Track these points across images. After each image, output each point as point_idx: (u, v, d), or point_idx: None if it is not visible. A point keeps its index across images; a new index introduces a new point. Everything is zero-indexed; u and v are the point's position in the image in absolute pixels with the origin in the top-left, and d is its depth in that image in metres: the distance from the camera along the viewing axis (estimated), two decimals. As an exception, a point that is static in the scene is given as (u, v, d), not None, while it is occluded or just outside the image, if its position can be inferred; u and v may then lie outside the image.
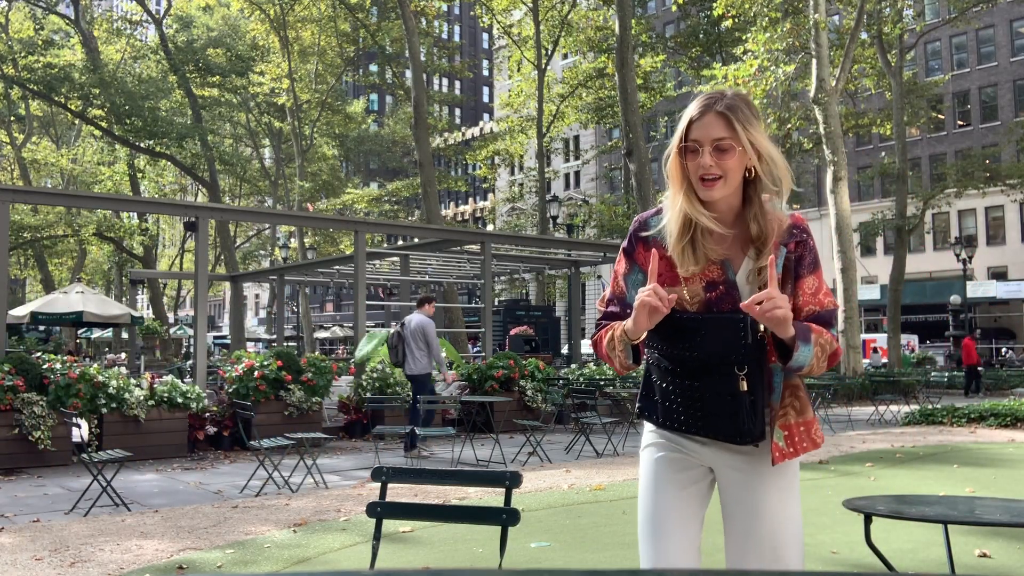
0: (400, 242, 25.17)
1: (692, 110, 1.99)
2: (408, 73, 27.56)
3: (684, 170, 2.00)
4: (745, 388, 1.95)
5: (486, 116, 76.45)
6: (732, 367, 1.95)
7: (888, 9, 24.78)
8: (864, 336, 30.19)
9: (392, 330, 10.75)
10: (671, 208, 2.03)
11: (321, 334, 53.18)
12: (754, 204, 2.02)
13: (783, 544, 2.15)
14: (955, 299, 32.81)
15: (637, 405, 2.18)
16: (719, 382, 1.97)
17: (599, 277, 47.32)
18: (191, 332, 26.21)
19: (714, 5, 21.89)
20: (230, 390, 11.29)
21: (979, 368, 22.53)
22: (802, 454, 2.09)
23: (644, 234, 2.09)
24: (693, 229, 2.01)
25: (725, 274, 2.01)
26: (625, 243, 2.13)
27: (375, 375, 12.56)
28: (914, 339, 35.03)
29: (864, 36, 24.30)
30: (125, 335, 26.18)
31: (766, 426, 2.02)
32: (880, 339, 31.18)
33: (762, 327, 1.93)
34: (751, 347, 1.95)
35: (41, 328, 31.75)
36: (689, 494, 2.09)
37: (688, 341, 1.99)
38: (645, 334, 1.99)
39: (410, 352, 10.30)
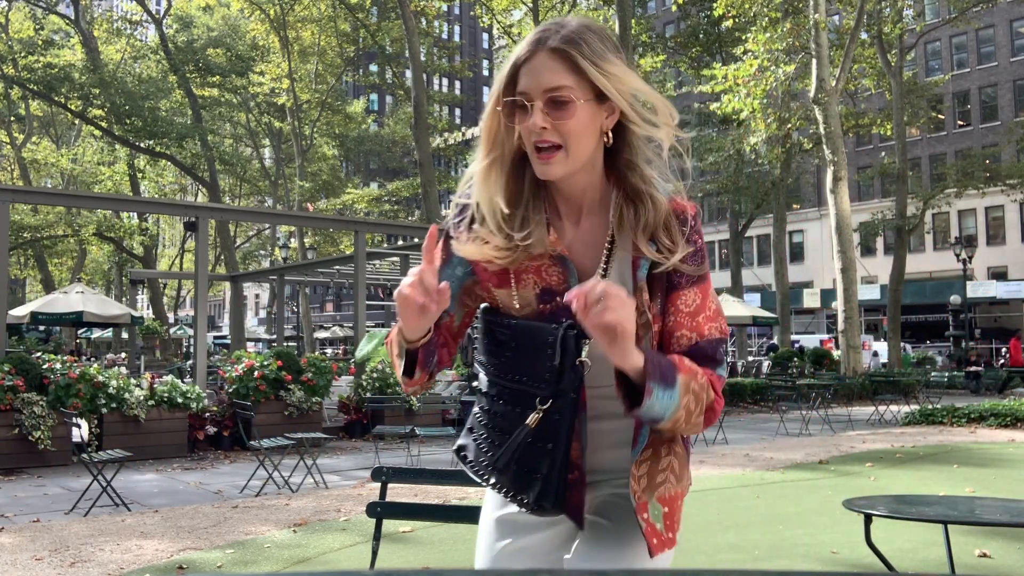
0: (400, 242, 25.16)
1: (520, 48, 1.39)
2: (408, 73, 27.56)
3: (499, 132, 1.42)
4: (533, 424, 1.38)
5: (486, 116, 76.26)
6: (534, 397, 1.40)
7: (888, 9, 24.78)
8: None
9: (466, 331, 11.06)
10: (478, 192, 1.46)
11: (321, 334, 53.16)
12: (622, 179, 1.43)
13: None
14: (955, 299, 32.79)
15: (457, 443, 1.58)
16: (515, 416, 1.42)
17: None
18: (191, 332, 26.21)
19: (714, 5, 21.90)
20: (230, 390, 11.29)
21: None
22: (674, 544, 1.46)
23: (464, 221, 1.51)
24: (525, 204, 1.44)
25: (567, 279, 1.42)
26: (443, 236, 1.54)
27: (375, 375, 12.56)
28: (907, 346, 34.97)
29: (864, 36, 24.30)
30: (125, 335, 26.18)
31: (571, 489, 1.41)
32: (878, 346, 31.10)
33: (585, 351, 1.37)
34: (561, 373, 1.38)
35: (41, 328, 31.75)
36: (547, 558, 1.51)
37: (501, 357, 1.47)
38: (427, 336, 1.43)
39: None
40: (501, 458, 1.41)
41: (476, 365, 1.56)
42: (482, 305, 1.53)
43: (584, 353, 1.37)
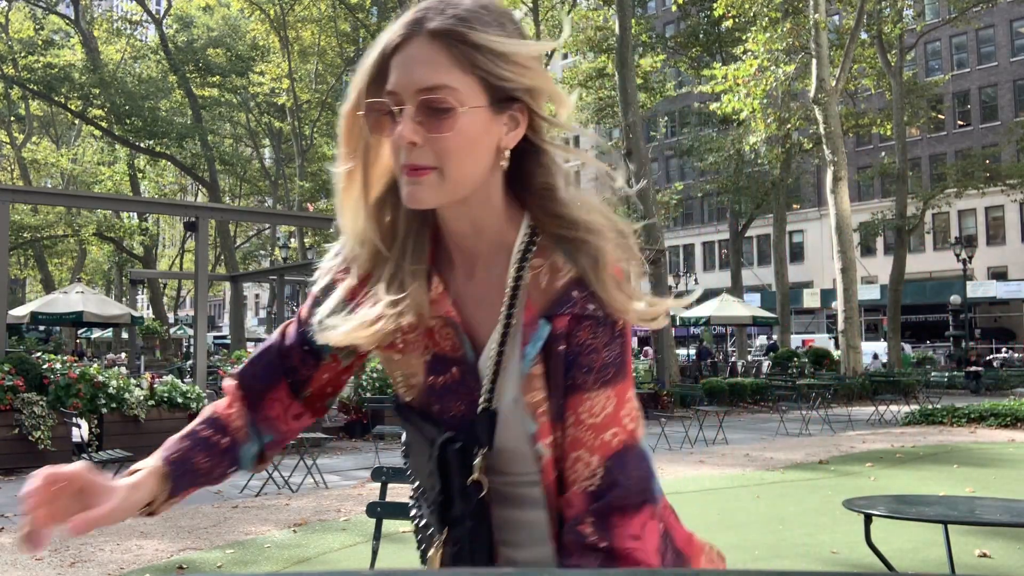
0: (400, 242, 25.07)
1: (392, 31, 1.02)
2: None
3: (361, 134, 1.06)
4: (438, 563, 1.07)
5: (486, 116, 76.29)
6: (433, 524, 1.10)
7: (888, 9, 24.79)
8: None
9: None
10: (346, 223, 1.11)
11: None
12: (538, 217, 1.05)
13: None
14: (955, 299, 32.79)
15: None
16: (428, 533, 1.13)
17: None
18: (191, 332, 26.21)
19: (714, 5, 21.90)
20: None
21: None
22: None
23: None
24: (400, 245, 1.08)
25: (461, 348, 1.06)
26: (325, 264, 1.19)
27: (375, 375, 12.56)
28: (907, 346, 34.97)
29: (864, 36, 24.31)
30: (125, 335, 26.18)
31: None
32: (877, 347, 31.06)
33: (477, 470, 1.03)
34: (448, 501, 1.06)
35: (41, 328, 31.75)
36: None
37: (406, 454, 1.18)
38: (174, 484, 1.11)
39: None
40: None
41: None
42: None
43: (477, 469, 1.02)
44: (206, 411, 1.19)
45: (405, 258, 1.07)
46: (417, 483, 1.15)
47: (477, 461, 1.03)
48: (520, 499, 1.07)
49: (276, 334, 1.20)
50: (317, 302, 1.13)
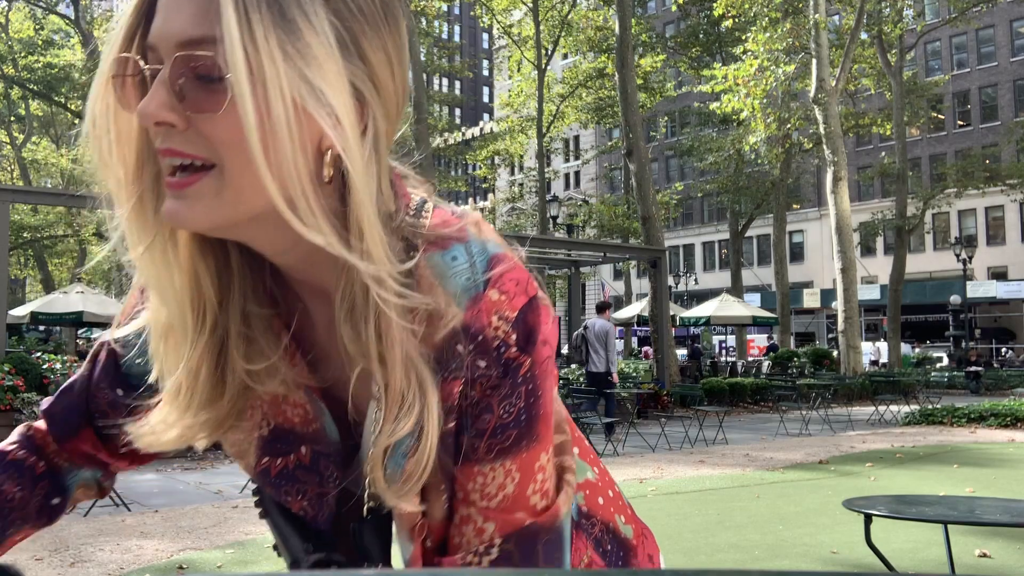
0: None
1: None
2: (408, 73, 27.55)
3: (147, 140, 0.69)
4: None
5: (486, 116, 76.49)
6: None
7: (888, 9, 24.79)
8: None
9: (577, 332, 12.18)
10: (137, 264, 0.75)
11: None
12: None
13: None
14: (955, 299, 32.81)
15: None
16: None
17: (595, 278, 47.38)
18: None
19: (714, 5, 21.91)
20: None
21: None
22: None
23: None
24: (238, 288, 0.76)
25: (317, 419, 0.78)
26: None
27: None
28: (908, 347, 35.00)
29: (864, 36, 24.31)
30: (125, 335, 26.16)
31: None
32: (874, 348, 31.07)
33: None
34: None
35: (41, 328, 31.74)
36: None
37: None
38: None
39: (593, 351, 11.47)
40: None
41: None
42: None
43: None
44: (18, 430, 0.90)
45: (247, 303, 0.75)
46: None
47: None
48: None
49: (87, 362, 0.89)
50: (123, 350, 0.85)
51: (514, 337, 0.70)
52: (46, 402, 0.91)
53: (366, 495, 0.73)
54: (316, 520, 0.78)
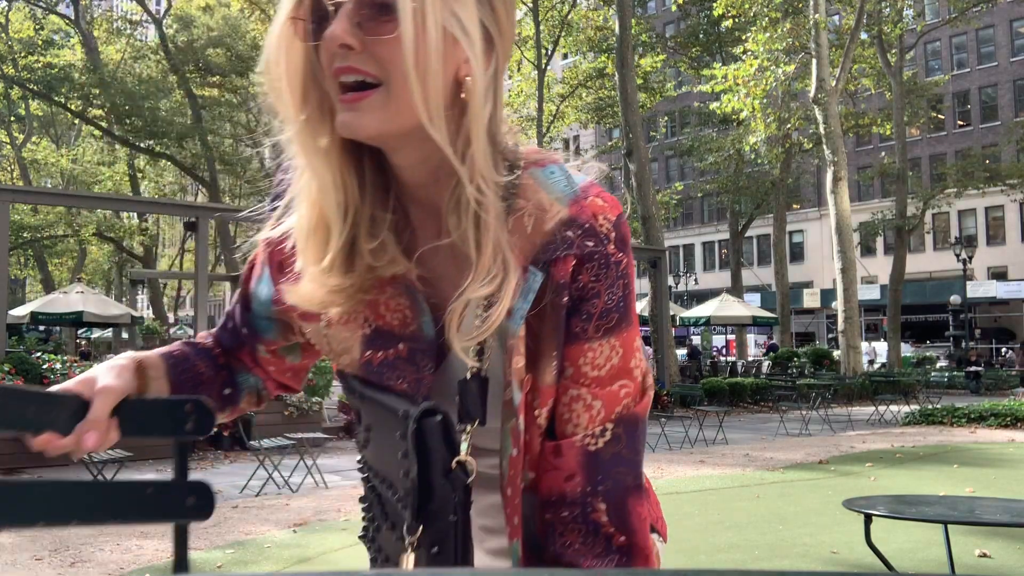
0: (400, 242, 25.08)
1: None
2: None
3: (316, 68, 0.86)
4: (410, 565, 0.85)
5: (486, 116, 76.32)
6: (402, 521, 0.88)
7: (888, 9, 24.79)
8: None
9: None
10: (295, 169, 0.92)
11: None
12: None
13: None
14: (955, 299, 32.80)
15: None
16: (391, 544, 0.95)
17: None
18: (191, 332, 26.22)
19: (714, 5, 21.91)
20: (230, 390, 11.29)
21: None
22: None
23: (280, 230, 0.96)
24: (367, 198, 0.90)
25: (416, 319, 0.91)
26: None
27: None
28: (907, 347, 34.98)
29: (864, 36, 24.31)
30: (125, 335, 26.18)
31: None
32: (869, 347, 31.01)
33: (465, 446, 0.85)
34: (417, 491, 0.85)
35: (41, 328, 31.73)
36: None
37: (361, 437, 1.00)
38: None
39: None
40: None
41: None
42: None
43: (464, 449, 0.85)
44: (200, 334, 1.10)
45: (376, 211, 0.90)
46: (373, 478, 0.97)
47: (464, 438, 0.85)
48: (493, 481, 0.90)
49: (242, 279, 1.07)
50: (266, 266, 1.02)
51: (614, 235, 0.88)
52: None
53: (479, 364, 0.87)
54: (417, 396, 0.90)
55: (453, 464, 0.84)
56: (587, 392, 0.88)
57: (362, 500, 1.02)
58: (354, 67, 0.81)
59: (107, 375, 0.89)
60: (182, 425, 0.88)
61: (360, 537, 1.03)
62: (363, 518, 1.02)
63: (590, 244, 0.86)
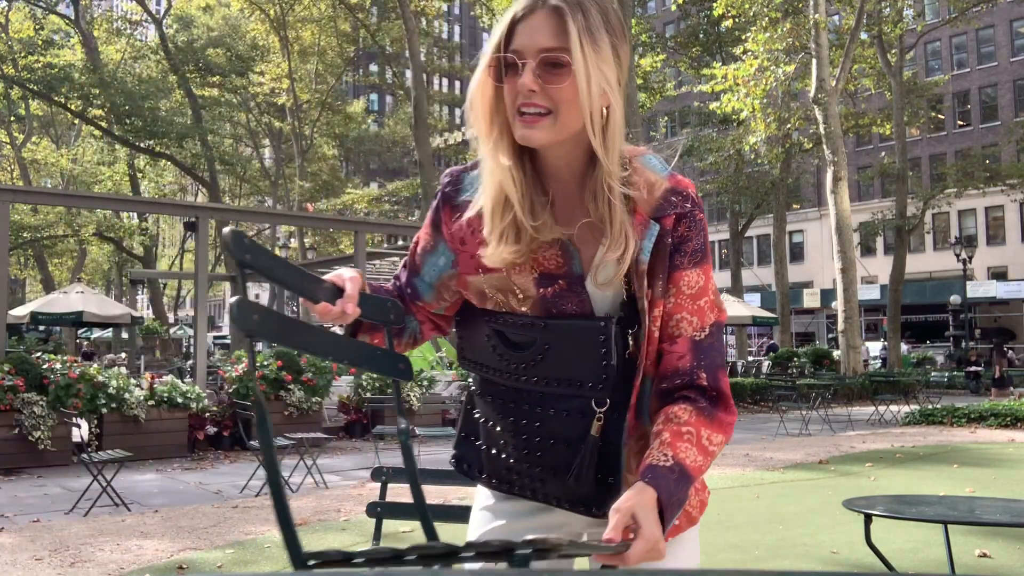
0: (400, 242, 25.15)
1: (518, 4, 1.30)
2: (408, 73, 27.57)
3: (500, 101, 1.30)
4: (598, 433, 1.30)
5: (486, 116, 76.28)
6: (587, 401, 1.31)
7: (888, 9, 24.79)
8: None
9: None
10: (483, 169, 1.34)
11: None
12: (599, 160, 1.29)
13: None
14: (955, 299, 32.80)
15: (452, 453, 1.49)
16: (563, 423, 1.33)
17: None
18: (191, 332, 26.20)
19: (714, 5, 21.90)
20: (230, 390, 11.29)
21: None
22: (697, 521, 1.45)
23: (457, 198, 1.40)
24: (530, 187, 1.34)
25: (568, 263, 1.33)
26: (432, 207, 1.44)
27: (375, 375, 12.57)
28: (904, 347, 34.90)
29: (864, 36, 24.30)
30: (125, 335, 26.18)
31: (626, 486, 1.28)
32: (868, 347, 30.95)
33: (631, 340, 1.32)
34: (615, 371, 1.30)
35: (41, 328, 31.72)
36: None
37: (517, 358, 1.35)
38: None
39: None
40: (578, 473, 1.30)
41: (471, 368, 1.44)
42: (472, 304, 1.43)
43: (634, 344, 1.32)
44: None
45: (535, 195, 1.33)
46: (545, 387, 1.35)
47: (632, 339, 1.32)
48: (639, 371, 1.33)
49: (403, 265, 1.51)
50: (436, 232, 1.43)
51: (695, 201, 1.36)
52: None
53: (633, 290, 1.33)
54: (587, 314, 1.33)
55: (627, 353, 1.32)
56: (687, 313, 1.33)
57: (470, 408, 1.47)
58: (534, 103, 1.25)
59: (349, 273, 1.25)
60: (388, 315, 1.31)
61: (467, 438, 1.47)
62: (482, 422, 1.43)
63: (688, 206, 1.34)
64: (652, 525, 1.13)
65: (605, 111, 1.27)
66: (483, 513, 1.46)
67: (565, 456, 1.32)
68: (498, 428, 1.39)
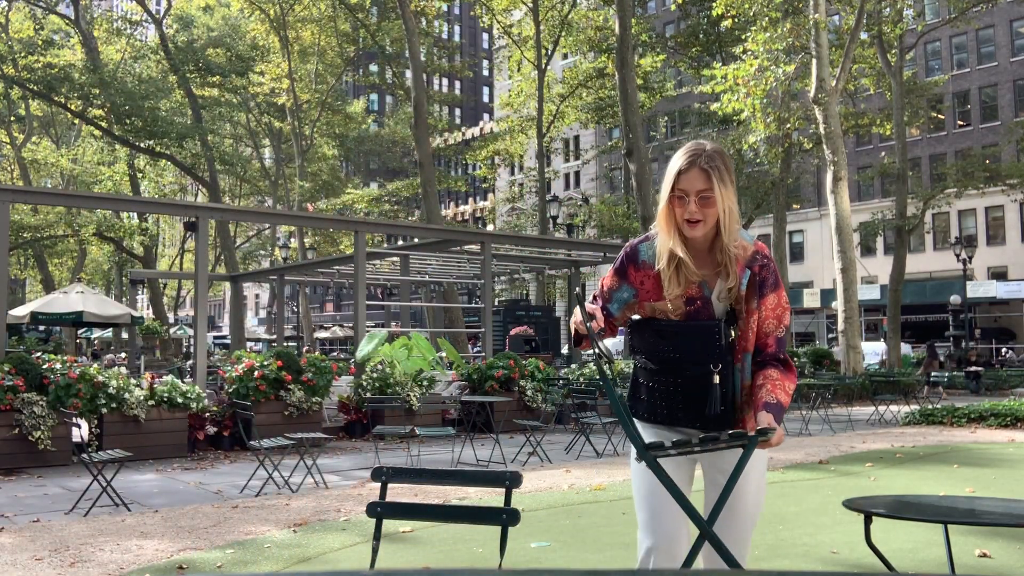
0: (400, 242, 25.16)
1: (680, 162, 2.41)
2: (408, 73, 27.56)
3: (671, 213, 2.43)
4: (718, 381, 2.44)
5: (486, 116, 76.40)
6: (708, 365, 2.44)
7: (888, 9, 24.77)
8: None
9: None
10: (662, 245, 2.45)
11: (321, 334, 53.20)
12: (721, 238, 2.45)
13: (754, 503, 2.55)
14: (955, 299, 32.79)
15: (626, 403, 2.58)
16: (697, 379, 2.46)
17: (595, 278, 47.34)
18: (191, 332, 26.21)
19: (714, 5, 21.88)
20: (230, 390, 11.29)
21: None
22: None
23: (638, 259, 2.54)
24: (678, 259, 2.46)
25: (702, 292, 2.47)
26: (617, 264, 2.57)
27: (375, 375, 12.56)
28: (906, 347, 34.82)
29: (864, 36, 24.29)
30: (125, 335, 26.18)
31: (738, 412, 2.50)
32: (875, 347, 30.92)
33: (732, 332, 2.47)
34: (724, 349, 2.45)
35: (41, 328, 31.75)
36: (679, 472, 2.50)
37: (671, 344, 2.49)
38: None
39: None
40: (711, 407, 2.43)
41: (636, 351, 2.57)
42: (634, 317, 2.57)
43: (735, 334, 2.48)
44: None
45: (682, 261, 2.45)
46: (668, 367, 2.52)
47: (733, 332, 2.48)
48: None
49: (599, 294, 2.64)
50: (619, 281, 2.58)
51: (768, 257, 2.53)
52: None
53: (732, 306, 2.53)
54: (712, 320, 2.49)
55: (729, 339, 2.49)
56: (772, 319, 2.49)
57: (643, 382, 2.63)
58: (696, 219, 2.41)
59: (594, 307, 2.52)
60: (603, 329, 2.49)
61: (637, 396, 2.66)
62: (647, 385, 2.61)
63: (765, 260, 2.49)
64: (779, 428, 2.30)
65: (728, 213, 2.42)
66: (644, 433, 2.58)
67: (696, 397, 2.47)
68: (653, 385, 2.56)
